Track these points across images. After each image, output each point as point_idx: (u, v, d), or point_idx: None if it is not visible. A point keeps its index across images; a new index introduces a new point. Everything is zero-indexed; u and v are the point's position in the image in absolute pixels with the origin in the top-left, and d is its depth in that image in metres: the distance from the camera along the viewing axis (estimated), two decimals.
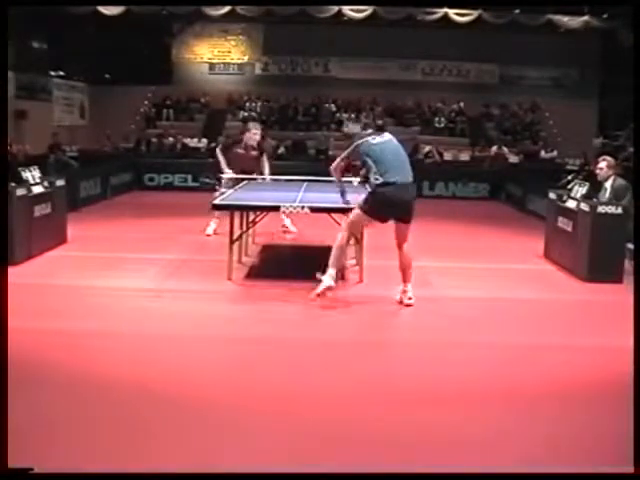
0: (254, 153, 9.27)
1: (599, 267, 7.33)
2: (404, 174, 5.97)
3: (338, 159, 6.34)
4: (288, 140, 19.10)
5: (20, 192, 7.60)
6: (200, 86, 22.04)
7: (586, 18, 19.57)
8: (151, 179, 16.29)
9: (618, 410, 3.81)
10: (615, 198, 7.79)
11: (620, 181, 8.01)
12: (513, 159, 18.69)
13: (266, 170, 9.35)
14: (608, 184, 8.03)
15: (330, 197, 6.85)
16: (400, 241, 6.07)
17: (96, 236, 9.40)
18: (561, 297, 6.95)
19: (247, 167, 9.08)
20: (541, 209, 11.08)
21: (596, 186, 8.21)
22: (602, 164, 8.18)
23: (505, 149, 18.73)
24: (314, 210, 6.68)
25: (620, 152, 16.46)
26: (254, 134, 9.29)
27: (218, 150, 9.44)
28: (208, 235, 9.30)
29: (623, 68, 16.12)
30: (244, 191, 8.08)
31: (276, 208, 6.72)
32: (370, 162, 5.96)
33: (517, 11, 19.39)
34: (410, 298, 6.08)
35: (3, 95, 8.70)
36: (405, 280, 6.15)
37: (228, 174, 9.06)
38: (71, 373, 4.40)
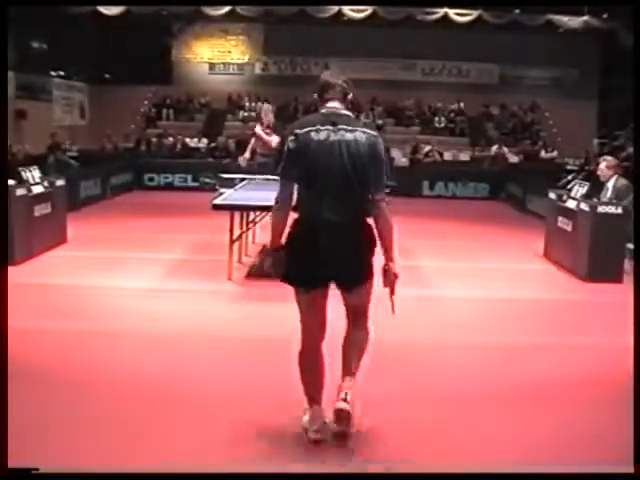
0: (267, 132, 9.51)
1: (599, 267, 7.33)
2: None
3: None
4: None
5: (20, 192, 7.61)
6: (200, 86, 22.04)
7: (586, 18, 19.58)
8: (151, 179, 16.30)
9: (618, 410, 3.81)
10: (617, 198, 7.79)
11: (622, 181, 8.01)
12: (513, 159, 18.68)
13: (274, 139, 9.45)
14: (610, 184, 8.03)
15: None
16: (352, 317, 3.57)
17: (96, 236, 9.40)
18: (561, 297, 6.94)
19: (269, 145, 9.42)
20: (541, 209, 11.08)
21: (598, 186, 8.21)
22: (602, 165, 8.20)
23: (505, 149, 18.72)
24: None
25: (620, 152, 16.45)
26: (264, 114, 9.66)
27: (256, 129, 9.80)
28: None
29: (623, 68, 16.11)
30: (244, 191, 8.08)
31: None
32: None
33: (517, 11, 19.41)
34: (345, 400, 3.40)
35: (3, 95, 8.69)
36: (347, 373, 3.51)
37: (244, 160, 9.58)
38: (71, 372, 4.40)
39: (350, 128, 3.31)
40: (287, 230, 3.41)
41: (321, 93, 3.45)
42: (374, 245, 3.44)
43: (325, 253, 3.31)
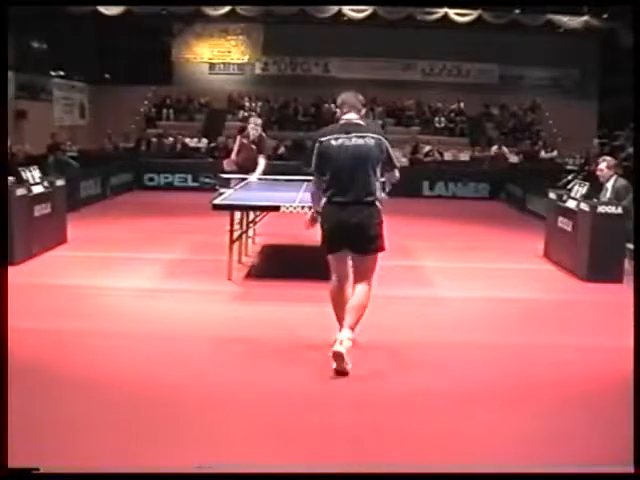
0: (253, 147, 9.22)
1: (599, 267, 7.33)
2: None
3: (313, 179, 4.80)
4: (288, 140, 19.09)
5: (20, 192, 7.60)
6: (200, 86, 22.07)
7: (586, 18, 19.61)
8: (151, 179, 16.31)
9: (618, 410, 3.80)
10: (616, 198, 7.80)
11: (621, 181, 8.02)
12: (513, 159, 18.70)
13: (259, 169, 9.03)
14: (609, 184, 8.04)
15: None
16: (360, 276, 4.64)
17: (96, 236, 9.40)
18: (561, 297, 6.94)
19: (250, 158, 9.11)
20: (541, 209, 11.08)
21: (597, 186, 8.22)
22: (602, 165, 8.21)
23: (505, 149, 18.73)
24: None
25: (620, 152, 16.45)
26: (252, 128, 9.29)
27: (238, 137, 9.59)
28: None
29: (623, 68, 16.12)
30: (244, 191, 8.08)
31: (276, 208, 6.72)
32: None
33: (517, 11, 19.42)
34: (341, 343, 4.34)
35: (3, 95, 8.69)
36: (349, 325, 4.47)
37: (230, 163, 9.23)
38: (71, 373, 4.40)
39: (361, 135, 4.53)
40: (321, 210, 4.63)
41: (341, 107, 4.76)
42: (380, 223, 4.56)
43: (342, 226, 4.50)
